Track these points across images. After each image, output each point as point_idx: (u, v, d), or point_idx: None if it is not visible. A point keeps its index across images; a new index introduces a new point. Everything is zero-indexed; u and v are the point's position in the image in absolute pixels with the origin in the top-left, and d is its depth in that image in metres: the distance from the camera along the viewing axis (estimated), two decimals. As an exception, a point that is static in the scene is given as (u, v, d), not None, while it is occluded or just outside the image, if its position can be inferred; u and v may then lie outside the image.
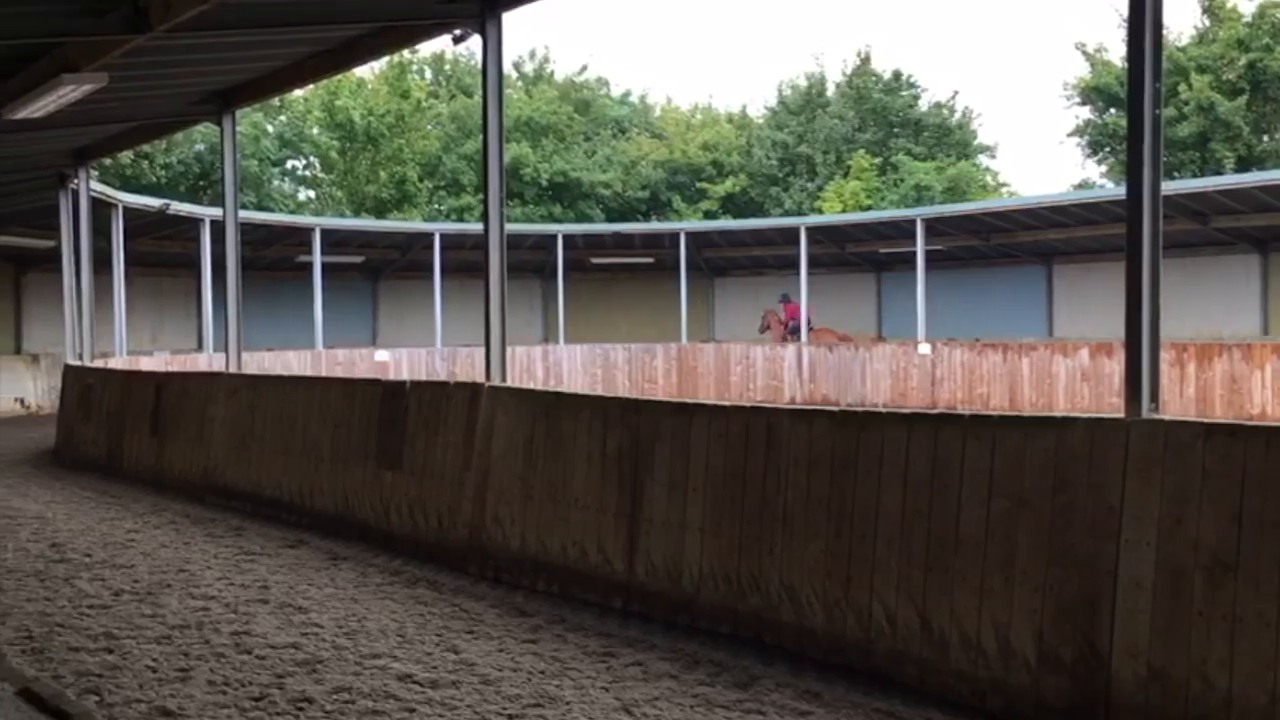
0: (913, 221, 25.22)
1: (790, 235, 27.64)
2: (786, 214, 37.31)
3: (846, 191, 36.91)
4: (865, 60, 42.27)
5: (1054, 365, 21.89)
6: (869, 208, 35.29)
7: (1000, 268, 28.19)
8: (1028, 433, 5.26)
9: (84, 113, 11.44)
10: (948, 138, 41.05)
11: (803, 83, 43.28)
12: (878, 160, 38.63)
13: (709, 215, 39.27)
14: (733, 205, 40.78)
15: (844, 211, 34.33)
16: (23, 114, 9.77)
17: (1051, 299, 27.35)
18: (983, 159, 42.81)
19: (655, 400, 7.41)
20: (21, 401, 23.59)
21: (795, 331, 27.14)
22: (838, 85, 42.55)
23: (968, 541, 5.35)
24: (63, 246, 17.09)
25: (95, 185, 17.18)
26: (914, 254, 24.85)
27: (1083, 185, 37.26)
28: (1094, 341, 21.83)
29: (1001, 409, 20.67)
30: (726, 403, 7.17)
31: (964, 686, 5.29)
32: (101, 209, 18.59)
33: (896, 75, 41.51)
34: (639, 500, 7.05)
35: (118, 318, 19.76)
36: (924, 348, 23.93)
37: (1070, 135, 37.40)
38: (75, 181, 16.32)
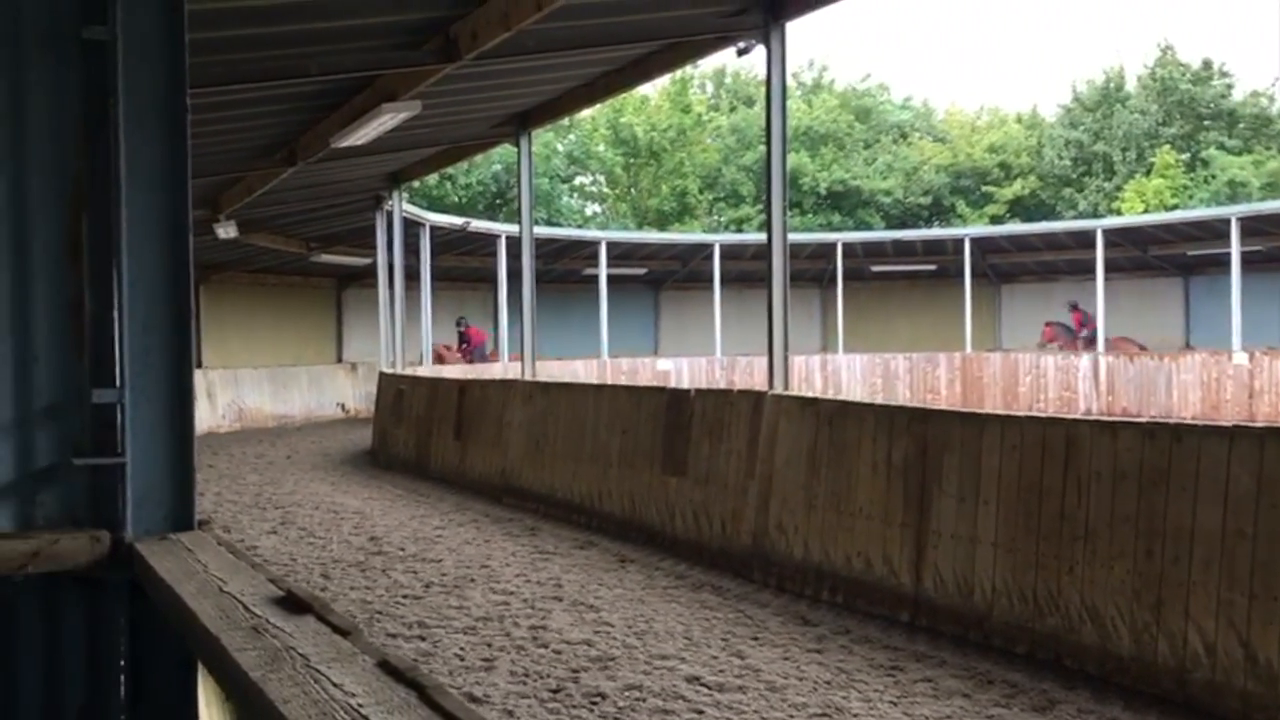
0: (1226, 221, 23.24)
1: (1085, 238, 26.14)
2: (1080, 216, 35.34)
3: (1149, 190, 34.58)
4: (1169, 50, 39.46)
5: (1398, 377, 19.56)
6: (1175, 207, 32.88)
7: (1332, 269, 25.51)
8: (1373, 449, 4.75)
9: (398, 139, 12.41)
10: (1267, 129, 37.63)
11: (1099, 78, 40.94)
12: (1184, 156, 35.98)
13: (995, 220, 37.79)
14: (1021, 209, 39.07)
15: (1146, 212, 32.16)
16: (347, 142, 10.71)
17: (1394, 303, 24.49)
18: (1309, 150, 38.97)
19: (943, 409, 7.21)
20: (342, 406, 25.79)
21: (1090, 340, 25.69)
22: (1138, 78, 39.95)
23: (1300, 567, 4.89)
24: (378, 262, 18.57)
25: (406, 206, 18.56)
26: (1228, 256, 22.90)
27: None
28: None
29: (1333, 425, 18.66)
30: (1020, 413, 6.88)
31: (1296, 726, 4.83)
32: (411, 227, 20.06)
33: (1206, 64, 38.50)
34: (926, 512, 6.87)
35: (425, 328, 21.23)
36: (1240, 357, 21.99)
37: None
38: (389, 203, 17.73)
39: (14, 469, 2.75)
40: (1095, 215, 34.13)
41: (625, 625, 6.85)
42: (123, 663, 2.83)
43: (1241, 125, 37.47)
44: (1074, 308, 26.78)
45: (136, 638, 2.82)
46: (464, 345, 25.89)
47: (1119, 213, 33.62)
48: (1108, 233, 25.42)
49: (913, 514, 6.97)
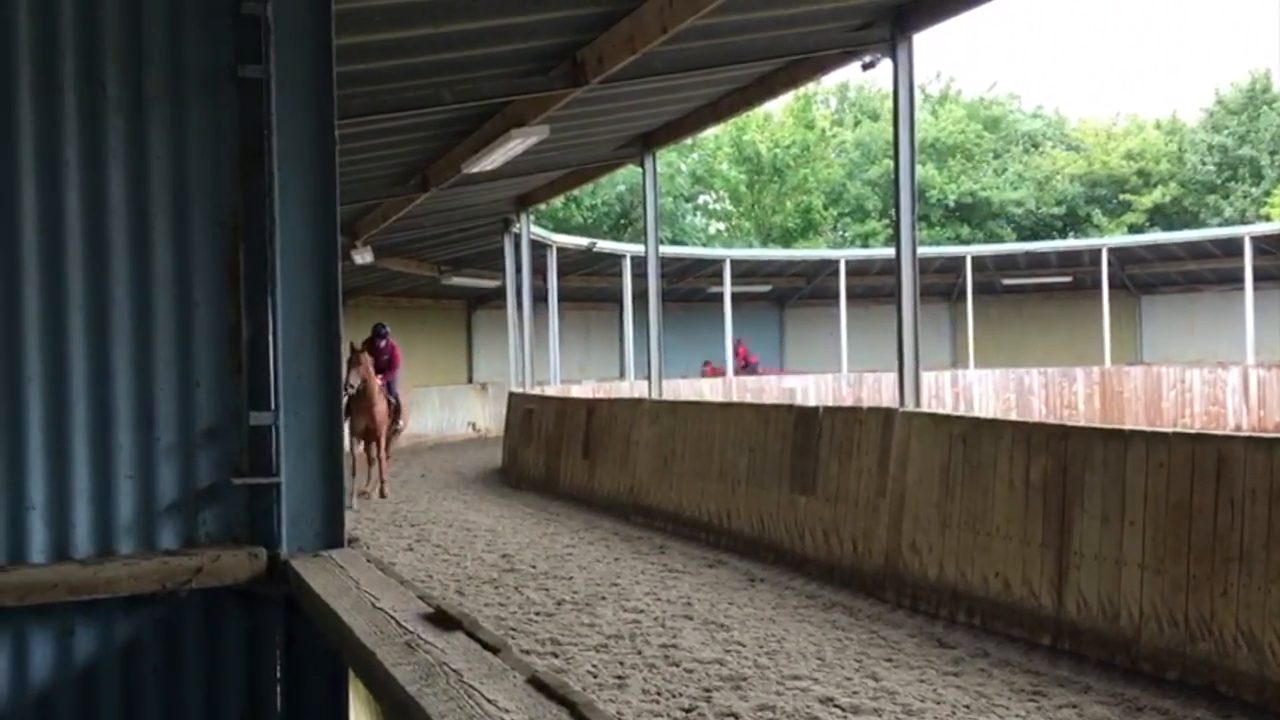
0: (1387, 224, 22.00)
1: (1232, 246, 25.04)
2: (1226, 223, 33.88)
3: (1300, 195, 32.96)
4: (1320, 46, 37.57)
5: None
6: (1329, 211, 31.24)
7: None
8: None
9: (526, 163, 12.66)
10: None
11: (1244, 79, 39.22)
12: (1339, 158, 34.17)
13: (1134, 229, 36.49)
14: (1162, 217, 37.66)
15: (1298, 217, 30.65)
16: (478, 168, 10.97)
17: None
18: None
19: (1084, 426, 6.99)
20: (473, 425, 26.31)
21: (751, 371, 28.09)
22: (1287, 78, 38.15)
23: None
24: (506, 284, 18.92)
25: (533, 228, 18.86)
26: (1390, 261, 21.68)
27: None
28: None
29: None
30: (1167, 429, 6.62)
31: None
32: (538, 249, 20.39)
33: (1362, 60, 36.55)
34: (1067, 532, 6.66)
35: (552, 348, 21.52)
36: (1405, 369, 20.74)
37: None
38: (517, 226, 18.04)
39: (178, 489, 2.90)
40: (1243, 222, 32.67)
41: (756, 645, 6.81)
42: (278, 674, 2.96)
43: (1402, 123, 35.48)
44: (738, 344, 28.81)
45: (291, 650, 2.93)
46: (383, 366, 15.35)
47: (1268, 219, 32.10)
48: (1256, 240, 24.31)
49: (1053, 534, 6.76)
